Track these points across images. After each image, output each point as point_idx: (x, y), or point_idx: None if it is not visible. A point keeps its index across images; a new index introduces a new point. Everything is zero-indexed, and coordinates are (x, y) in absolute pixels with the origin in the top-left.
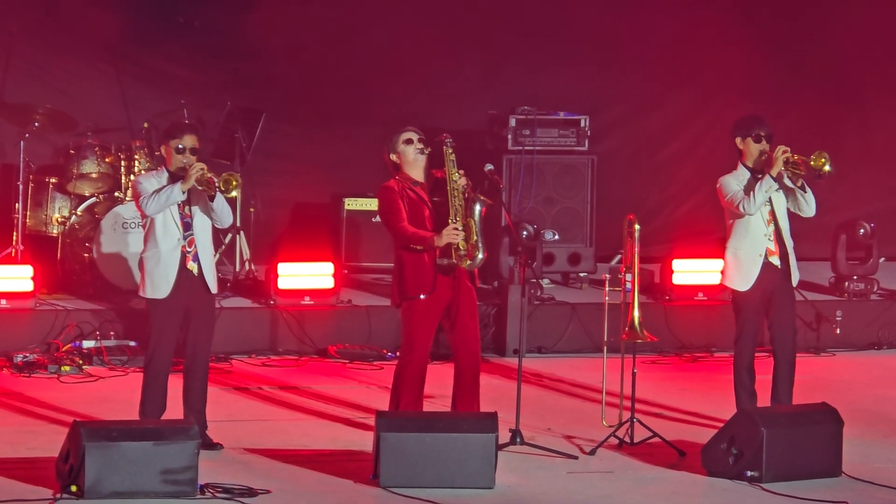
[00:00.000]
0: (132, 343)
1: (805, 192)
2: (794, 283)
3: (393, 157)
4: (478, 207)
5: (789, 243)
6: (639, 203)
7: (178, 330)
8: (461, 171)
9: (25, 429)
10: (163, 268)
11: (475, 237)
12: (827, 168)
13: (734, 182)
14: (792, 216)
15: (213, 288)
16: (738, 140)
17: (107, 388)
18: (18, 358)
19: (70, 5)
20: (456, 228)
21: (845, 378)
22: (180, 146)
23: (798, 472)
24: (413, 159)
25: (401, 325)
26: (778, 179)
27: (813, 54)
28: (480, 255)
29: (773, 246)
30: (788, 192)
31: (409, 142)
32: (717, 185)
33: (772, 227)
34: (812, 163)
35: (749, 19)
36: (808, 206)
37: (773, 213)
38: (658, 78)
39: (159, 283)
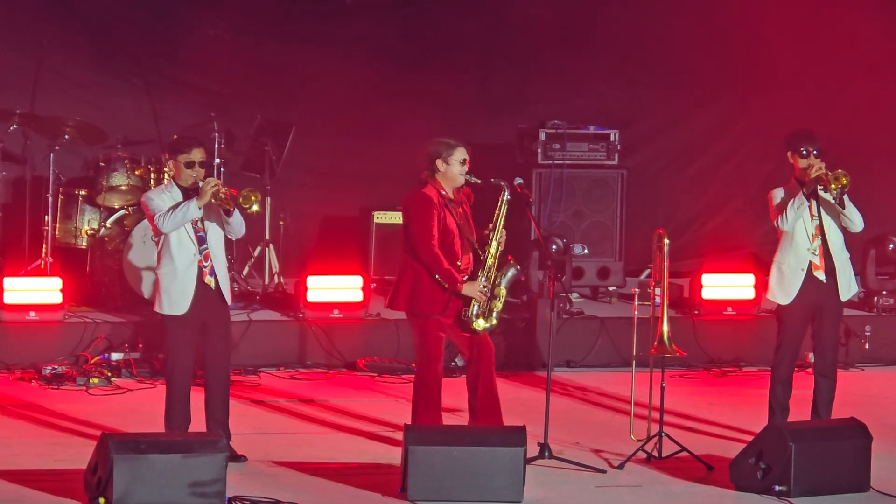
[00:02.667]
0: (160, 355)
1: (843, 207)
2: (844, 297)
3: (439, 162)
4: (511, 272)
5: (840, 258)
6: (668, 217)
7: (196, 343)
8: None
9: (54, 441)
10: (180, 284)
11: (499, 305)
12: (832, 186)
13: (778, 196)
14: (846, 231)
15: (228, 299)
16: (788, 154)
17: (135, 400)
18: (47, 370)
19: (100, 18)
20: (484, 287)
21: (874, 393)
22: (189, 160)
23: (826, 487)
24: (455, 178)
25: (413, 337)
26: (817, 196)
27: (842, 70)
28: (493, 324)
29: (818, 261)
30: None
31: (464, 162)
32: (768, 196)
33: (817, 243)
34: (832, 182)
35: (777, 35)
36: (852, 221)
37: (820, 227)
38: (688, 92)
39: (177, 300)
